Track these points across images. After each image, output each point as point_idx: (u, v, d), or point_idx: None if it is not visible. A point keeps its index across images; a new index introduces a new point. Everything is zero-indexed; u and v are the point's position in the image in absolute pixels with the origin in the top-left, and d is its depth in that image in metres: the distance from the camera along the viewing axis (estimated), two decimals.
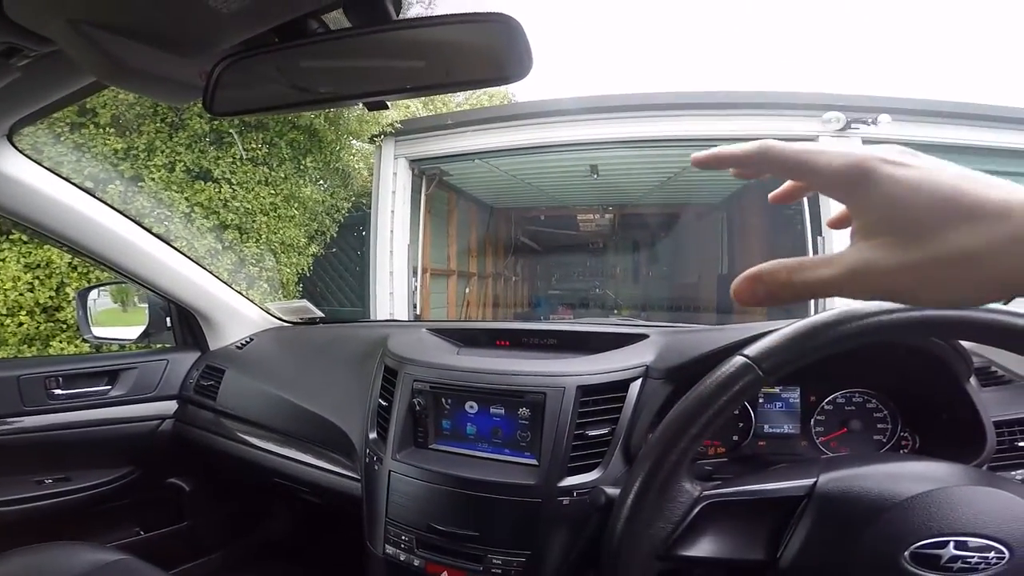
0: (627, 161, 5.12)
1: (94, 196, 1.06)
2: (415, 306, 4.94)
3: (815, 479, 0.46)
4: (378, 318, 4.41)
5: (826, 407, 0.74)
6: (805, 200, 4.17)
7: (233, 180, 3.84)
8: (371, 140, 4.87)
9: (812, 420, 0.74)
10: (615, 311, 7.42)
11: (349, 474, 0.91)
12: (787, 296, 0.26)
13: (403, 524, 0.75)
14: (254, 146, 3.95)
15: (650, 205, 6.77)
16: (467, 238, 6.65)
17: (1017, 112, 4.05)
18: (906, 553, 0.41)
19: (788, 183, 0.33)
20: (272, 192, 4.05)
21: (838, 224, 0.32)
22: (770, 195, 0.35)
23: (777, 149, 0.28)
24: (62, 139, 3.24)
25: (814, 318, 0.42)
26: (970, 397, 0.61)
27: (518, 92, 8.69)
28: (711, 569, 0.63)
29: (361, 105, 0.53)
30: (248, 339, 1.31)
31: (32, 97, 0.69)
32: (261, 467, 1.08)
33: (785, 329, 0.43)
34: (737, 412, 0.75)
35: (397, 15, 0.45)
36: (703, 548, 0.47)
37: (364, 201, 5.08)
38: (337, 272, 5.25)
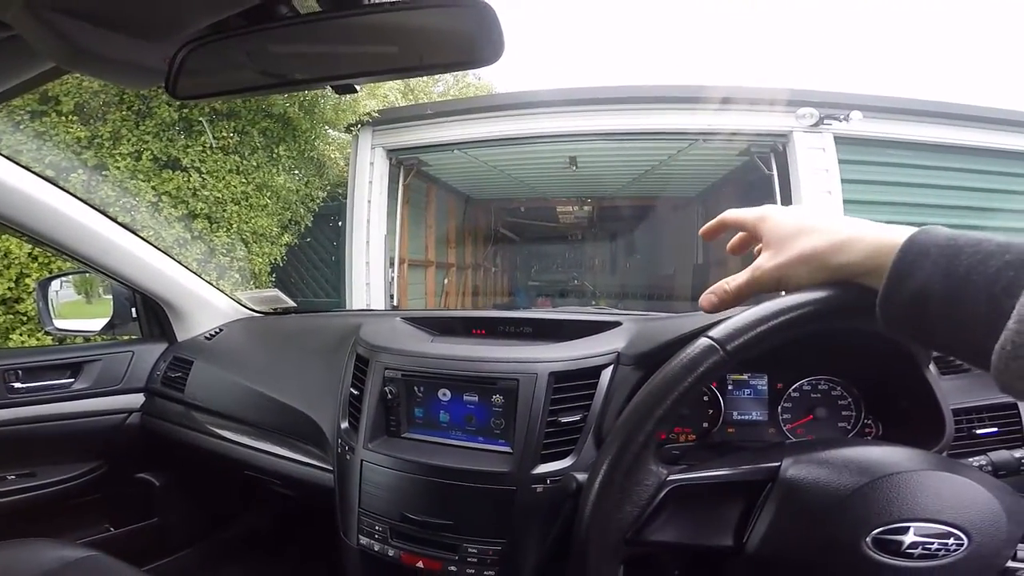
0: (606, 153, 5.14)
1: (54, 184, 1.02)
2: (392, 297, 4.89)
3: (779, 463, 0.46)
4: (354, 308, 4.37)
5: (793, 394, 0.75)
6: (778, 196, 4.28)
7: (203, 169, 3.76)
8: (347, 129, 4.78)
9: (779, 407, 0.75)
10: (594, 302, 7.47)
11: (322, 465, 0.90)
12: (730, 301, 0.47)
13: (376, 514, 0.74)
14: (225, 134, 3.87)
15: (628, 197, 6.82)
16: (446, 229, 6.61)
17: (983, 112, 4.20)
18: (867, 539, 0.41)
19: (715, 221, 0.52)
20: (243, 181, 3.98)
21: (734, 251, 0.54)
22: (700, 230, 0.54)
23: (730, 214, 0.51)
24: (21, 127, 3.12)
25: (776, 300, 0.43)
26: (929, 384, 0.61)
27: (498, 83, 8.65)
28: (680, 554, 0.63)
29: (330, 90, 0.52)
30: (217, 330, 1.28)
31: None
32: (232, 460, 1.06)
33: (749, 311, 0.44)
34: (707, 399, 0.76)
35: None
36: (671, 532, 0.47)
37: (340, 191, 5.02)
38: (312, 263, 5.19)
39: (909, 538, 0.40)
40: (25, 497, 1.13)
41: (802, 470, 0.45)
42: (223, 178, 3.86)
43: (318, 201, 4.79)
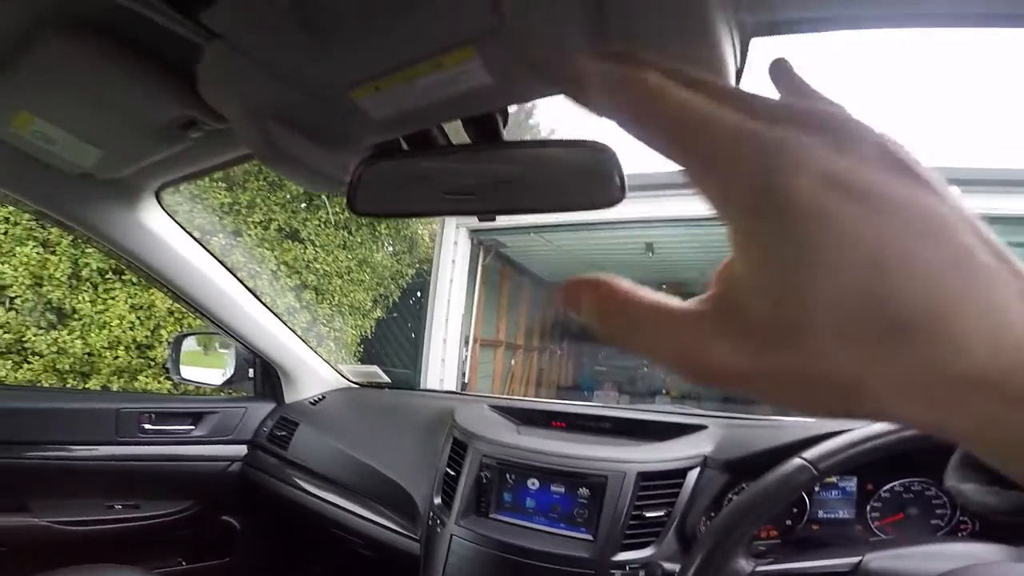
0: (682, 240, 5.12)
1: (206, 249, 1.14)
2: (464, 375, 4.96)
3: (860, 558, 0.48)
4: (428, 384, 4.50)
5: (883, 495, 0.75)
6: None
7: (317, 242, 4.03)
8: None
9: (868, 506, 0.76)
10: (663, 391, 7.17)
11: (406, 532, 0.96)
12: None
13: None
14: (337, 209, 4.13)
15: (704, 284, 6.64)
16: (518, 311, 6.72)
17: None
18: None
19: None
20: (349, 256, 4.23)
21: None
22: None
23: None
24: (180, 188, 3.59)
25: (868, 428, 0.47)
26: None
27: None
28: None
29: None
30: (320, 396, 1.39)
31: (190, 162, 0.78)
32: (321, 517, 1.14)
33: (842, 437, 0.48)
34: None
35: (504, 127, 0.53)
36: None
37: (425, 268, 5.23)
38: (394, 335, 5.31)
39: None
40: (124, 527, 1.22)
41: (885, 562, 0.48)
42: (332, 252, 4.12)
43: (407, 278, 5.00)
